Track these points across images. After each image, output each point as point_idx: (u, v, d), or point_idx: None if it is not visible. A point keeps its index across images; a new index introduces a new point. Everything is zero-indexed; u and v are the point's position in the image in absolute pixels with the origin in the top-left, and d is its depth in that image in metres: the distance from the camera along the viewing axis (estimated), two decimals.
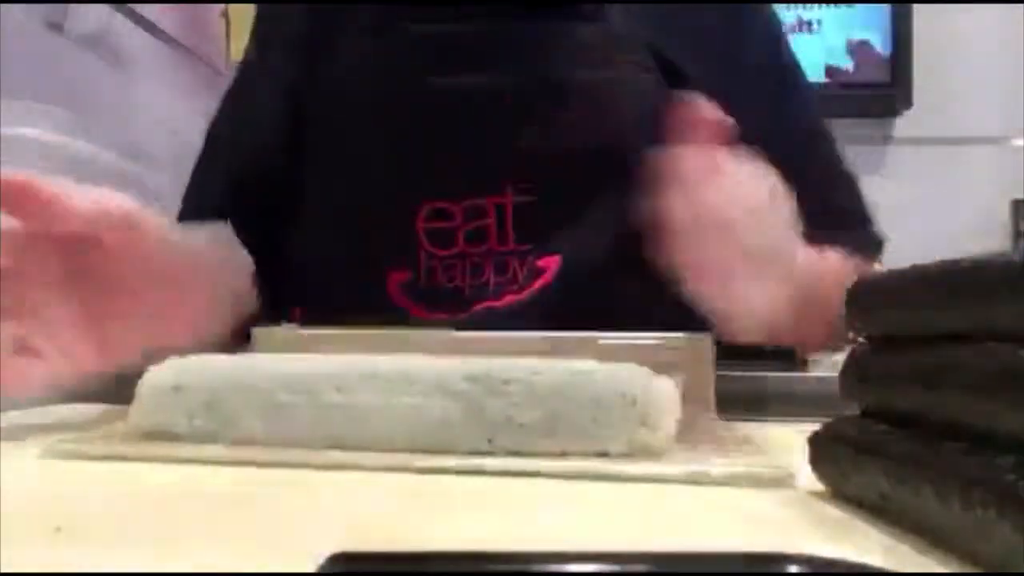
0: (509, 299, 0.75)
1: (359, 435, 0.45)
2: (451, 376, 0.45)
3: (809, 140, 0.84)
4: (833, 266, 0.72)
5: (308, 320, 0.88)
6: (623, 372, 0.45)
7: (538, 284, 0.75)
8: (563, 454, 0.43)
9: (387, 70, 0.80)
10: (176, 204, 0.87)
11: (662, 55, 0.79)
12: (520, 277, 0.75)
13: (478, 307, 0.75)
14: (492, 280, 0.76)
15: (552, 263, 0.75)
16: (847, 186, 0.86)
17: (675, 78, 0.79)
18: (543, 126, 0.77)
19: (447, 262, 0.76)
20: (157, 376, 0.48)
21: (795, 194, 0.82)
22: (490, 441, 0.44)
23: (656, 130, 0.78)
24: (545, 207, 0.75)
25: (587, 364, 0.46)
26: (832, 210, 0.80)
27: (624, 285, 0.70)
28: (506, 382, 0.44)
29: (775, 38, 0.88)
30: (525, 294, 0.75)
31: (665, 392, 0.45)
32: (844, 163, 0.87)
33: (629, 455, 0.43)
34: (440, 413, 0.44)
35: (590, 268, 0.75)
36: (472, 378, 0.45)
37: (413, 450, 0.44)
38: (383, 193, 0.78)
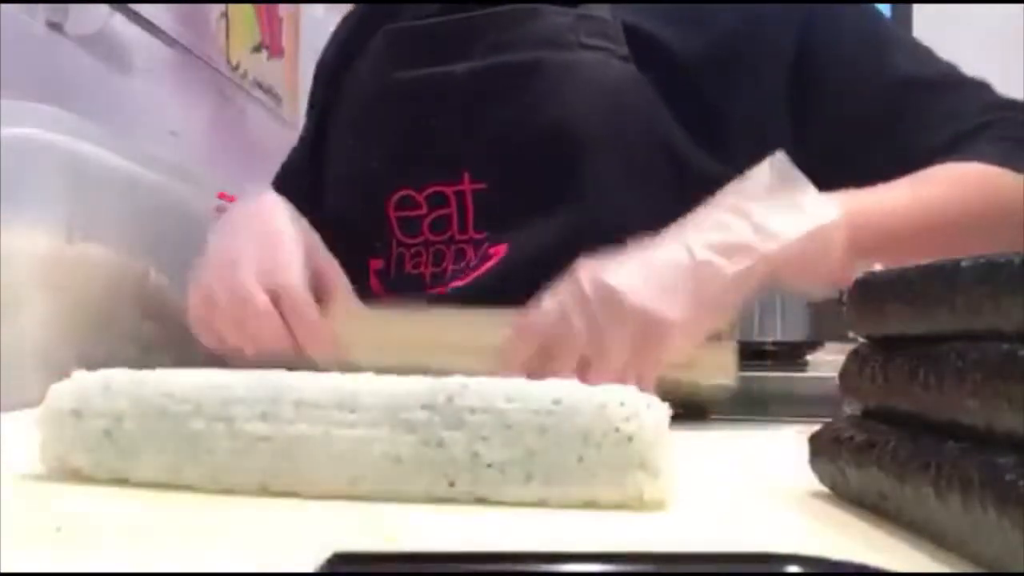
0: (453, 285, 0.75)
1: (289, 474, 0.38)
2: (403, 401, 0.37)
3: (900, 91, 0.77)
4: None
5: None
6: (616, 397, 0.37)
7: (480, 271, 0.74)
8: (541, 503, 0.36)
9: (366, 69, 0.83)
10: (175, 204, 0.88)
11: (643, 33, 0.76)
12: (472, 265, 0.76)
13: (427, 294, 0.75)
14: (450, 268, 0.76)
15: (500, 251, 0.74)
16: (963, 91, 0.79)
17: (659, 55, 0.76)
18: (497, 112, 0.76)
19: (414, 250, 0.78)
20: (57, 398, 0.41)
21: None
22: (451, 485, 0.37)
23: (618, 116, 0.74)
24: (501, 194, 0.75)
25: (570, 386, 0.38)
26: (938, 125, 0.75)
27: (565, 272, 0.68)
28: (472, 410, 0.37)
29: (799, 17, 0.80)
30: (466, 280, 0.74)
31: (663, 423, 0.37)
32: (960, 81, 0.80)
33: (622, 505, 0.36)
34: (389, 448, 0.37)
35: (535, 256, 0.72)
36: (429, 405, 0.37)
37: (354, 495, 0.37)
38: (362, 184, 0.81)
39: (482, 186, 0.76)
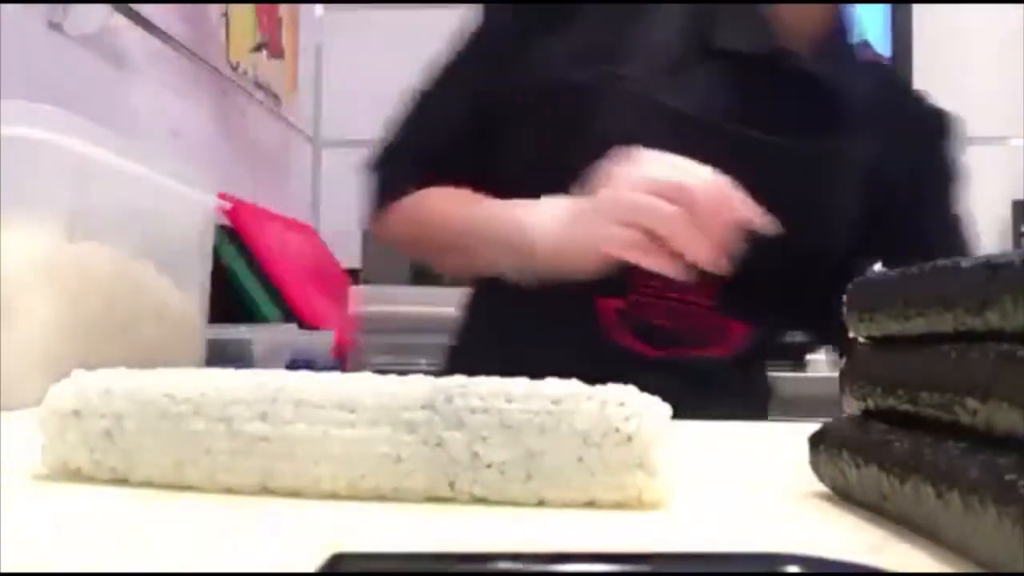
0: (710, 351, 0.82)
1: (289, 474, 0.38)
2: (403, 401, 0.37)
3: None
4: None
5: (513, 331, 0.89)
6: (616, 397, 0.37)
7: (732, 348, 0.83)
8: (541, 503, 0.37)
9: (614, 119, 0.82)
10: (175, 204, 0.87)
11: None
12: (716, 333, 0.82)
13: (683, 352, 0.81)
14: (681, 325, 0.81)
15: (741, 330, 0.83)
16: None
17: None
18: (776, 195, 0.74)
19: (647, 300, 0.81)
20: (58, 398, 0.40)
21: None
22: (451, 485, 0.37)
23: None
24: (743, 275, 0.73)
25: (571, 386, 0.37)
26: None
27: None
28: (472, 411, 0.37)
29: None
30: (719, 349, 0.82)
31: (663, 423, 0.37)
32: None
33: (622, 505, 0.36)
34: (389, 448, 0.37)
35: (776, 339, 0.83)
36: (429, 405, 0.37)
37: (354, 495, 0.37)
38: None
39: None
